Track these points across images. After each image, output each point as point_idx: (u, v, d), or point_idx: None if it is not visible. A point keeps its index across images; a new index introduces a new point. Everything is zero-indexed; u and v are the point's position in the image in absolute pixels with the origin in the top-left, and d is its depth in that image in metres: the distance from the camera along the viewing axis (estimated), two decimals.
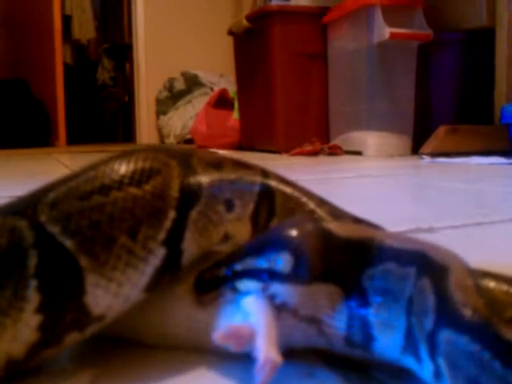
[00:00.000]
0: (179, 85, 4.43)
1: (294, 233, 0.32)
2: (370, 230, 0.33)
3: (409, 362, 0.29)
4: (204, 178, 0.37)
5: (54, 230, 0.32)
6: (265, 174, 0.41)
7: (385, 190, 1.32)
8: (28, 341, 0.32)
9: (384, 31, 2.33)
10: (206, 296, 0.35)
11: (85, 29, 5.24)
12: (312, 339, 0.33)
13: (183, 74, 4.43)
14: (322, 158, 2.44)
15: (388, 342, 0.30)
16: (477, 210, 0.99)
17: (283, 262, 0.31)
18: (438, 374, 0.26)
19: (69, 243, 0.32)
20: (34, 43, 4.50)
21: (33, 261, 0.31)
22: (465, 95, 2.54)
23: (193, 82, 4.38)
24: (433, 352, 0.26)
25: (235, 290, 0.34)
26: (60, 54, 4.26)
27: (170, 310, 0.36)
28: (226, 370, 0.33)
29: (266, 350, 0.30)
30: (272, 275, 0.32)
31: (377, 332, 0.30)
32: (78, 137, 4.91)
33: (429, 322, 0.26)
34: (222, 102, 3.43)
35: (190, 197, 0.35)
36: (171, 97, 4.45)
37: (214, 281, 0.35)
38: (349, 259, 0.31)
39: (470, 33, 2.48)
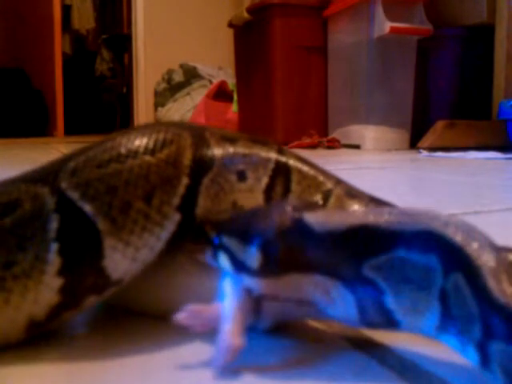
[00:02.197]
0: (178, 77, 4.42)
1: (266, 229, 0.32)
2: (363, 216, 0.30)
3: (446, 340, 0.28)
4: (216, 149, 0.38)
5: (74, 195, 0.33)
6: (281, 151, 0.42)
7: (383, 181, 1.33)
8: (49, 303, 0.33)
9: (384, 25, 2.34)
10: (195, 245, 0.36)
11: (84, 19, 5.23)
12: (312, 314, 0.33)
13: (182, 66, 4.43)
14: (320, 151, 2.46)
15: (417, 324, 0.29)
16: (475, 200, 1.00)
17: (252, 256, 0.31)
18: (486, 364, 0.25)
19: (88, 208, 0.33)
20: (34, 32, 4.49)
21: (54, 225, 0.32)
22: (463, 90, 2.55)
23: (191, 74, 4.38)
24: (485, 358, 0.25)
25: (217, 260, 0.34)
26: (59, 44, 4.25)
27: (173, 281, 0.37)
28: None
29: (229, 334, 0.30)
30: (240, 265, 0.32)
31: (400, 317, 0.29)
32: (75, 127, 4.91)
33: (476, 331, 0.26)
34: (221, 94, 3.43)
35: (202, 165, 0.37)
36: (169, 89, 4.45)
37: (207, 237, 0.35)
38: (332, 251, 0.30)
39: (470, 29, 2.49)
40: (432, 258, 0.28)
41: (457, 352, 0.27)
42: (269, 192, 0.40)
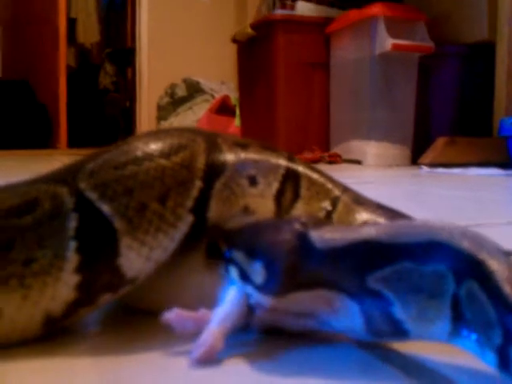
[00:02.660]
0: (181, 91, 4.46)
1: (271, 247, 0.32)
2: (366, 231, 0.31)
3: (462, 344, 0.29)
4: (229, 154, 0.39)
5: (93, 196, 0.34)
6: (291, 158, 0.43)
7: (385, 195, 1.34)
8: (66, 299, 0.34)
9: (386, 42, 2.36)
10: (212, 261, 0.37)
11: (89, 32, 5.28)
12: (313, 326, 0.34)
13: (185, 81, 4.46)
14: (322, 166, 2.47)
15: (427, 332, 0.30)
16: (476, 213, 1.01)
17: (257, 272, 0.32)
18: (506, 367, 0.26)
19: (105, 208, 0.34)
20: (39, 45, 4.53)
21: (73, 224, 0.34)
22: (464, 107, 2.57)
23: (194, 89, 4.41)
24: (505, 361, 0.26)
25: (228, 273, 0.35)
26: (64, 57, 4.29)
27: (185, 281, 0.38)
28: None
29: (210, 334, 0.32)
30: (247, 279, 0.33)
31: (409, 326, 0.30)
32: (78, 140, 4.93)
33: (496, 336, 0.26)
34: (223, 108, 3.46)
35: (215, 169, 0.38)
36: (172, 103, 4.48)
37: (220, 252, 0.36)
38: (335, 266, 0.31)
39: (471, 46, 2.51)
40: (441, 268, 0.28)
41: (474, 355, 0.28)
42: (279, 197, 0.41)
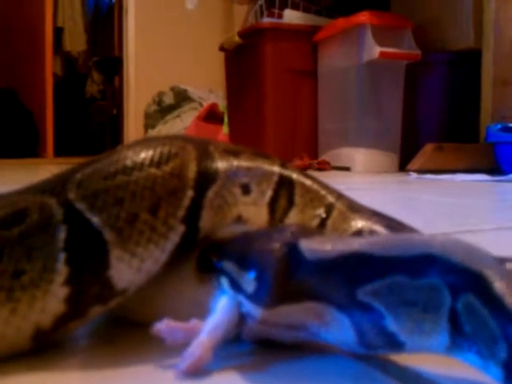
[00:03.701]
0: (168, 99, 4.45)
1: (261, 258, 0.32)
2: (356, 243, 0.30)
3: (463, 357, 0.28)
4: (221, 162, 0.38)
5: (82, 206, 0.34)
6: (284, 165, 0.42)
7: (374, 201, 1.34)
8: (55, 312, 0.33)
9: (374, 50, 2.38)
10: (204, 274, 0.36)
11: (76, 41, 5.26)
12: (304, 337, 0.33)
13: (173, 89, 4.45)
14: (311, 173, 2.47)
15: (423, 345, 0.29)
16: (465, 219, 1.01)
17: (248, 282, 0.32)
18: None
19: (95, 219, 0.33)
20: (25, 54, 4.51)
21: (62, 235, 0.33)
22: (451, 114, 2.59)
23: (182, 97, 4.40)
24: (511, 375, 0.25)
25: (220, 284, 0.35)
26: (50, 66, 4.27)
27: (175, 292, 0.38)
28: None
29: (199, 345, 0.31)
30: (239, 289, 0.33)
31: (404, 338, 0.29)
32: (65, 149, 4.90)
33: (501, 350, 0.25)
34: (211, 116, 3.46)
35: (206, 178, 0.37)
36: (160, 111, 4.47)
37: (211, 263, 0.36)
38: (324, 278, 0.30)
39: (457, 54, 2.54)
40: (436, 281, 0.27)
41: (476, 368, 0.27)
42: (273, 205, 0.40)
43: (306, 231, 0.33)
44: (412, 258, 0.28)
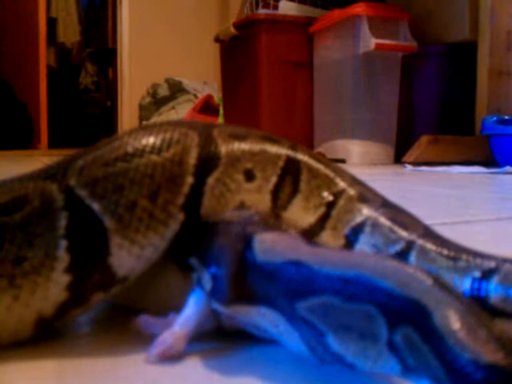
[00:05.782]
0: (163, 91, 4.43)
1: (218, 255, 0.31)
2: (303, 249, 0.28)
3: (417, 383, 0.24)
4: (224, 148, 0.37)
5: (82, 193, 0.33)
6: (293, 147, 0.41)
7: None
8: (57, 299, 0.33)
9: (369, 42, 2.37)
10: (183, 269, 0.36)
11: (70, 32, 5.22)
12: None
13: (167, 81, 4.43)
14: None
15: (375, 368, 0.26)
16: (463, 210, 1.02)
17: (206, 280, 0.32)
18: None
19: (96, 206, 0.33)
20: (18, 45, 4.47)
21: (63, 222, 0.33)
22: (447, 106, 2.59)
23: (177, 89, 4.39)
24: None
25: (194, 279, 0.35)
26: (44, 57, 4.24)
27: (173, 279, 0.38)
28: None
29: (170, 334, 0.32)
30: (202, 285, 0.33)
31: (351, 360, 0.26)
32: (59, 140, 4.88)
33: None
34: (207, 107, 3.45)
35: (207, 164, 0.36)
36: (155, 102, 4.45)
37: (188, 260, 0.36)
38: (271, 283, 0.28)
39: (453, 45, 2.54)
40: (368, 308, 0.24)
41: None
42: (276, 192, 0.39)
43: (266, 223, 0.33)
44: (344, 278, 0.25)
